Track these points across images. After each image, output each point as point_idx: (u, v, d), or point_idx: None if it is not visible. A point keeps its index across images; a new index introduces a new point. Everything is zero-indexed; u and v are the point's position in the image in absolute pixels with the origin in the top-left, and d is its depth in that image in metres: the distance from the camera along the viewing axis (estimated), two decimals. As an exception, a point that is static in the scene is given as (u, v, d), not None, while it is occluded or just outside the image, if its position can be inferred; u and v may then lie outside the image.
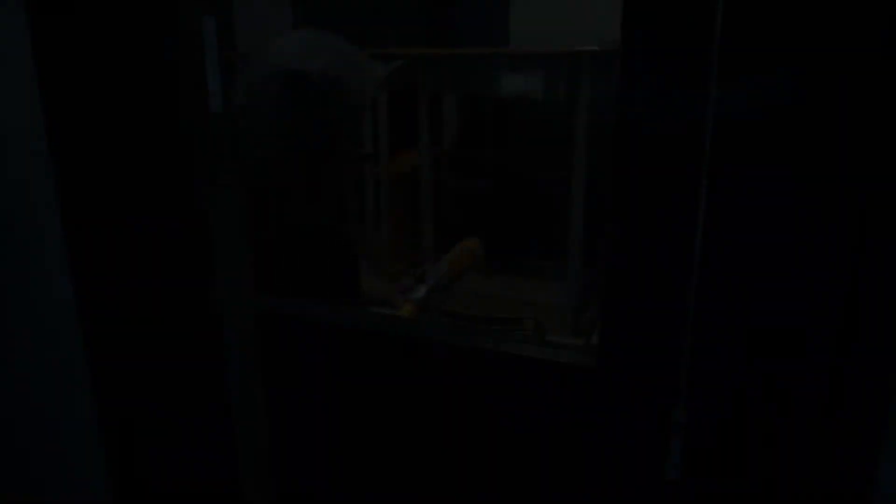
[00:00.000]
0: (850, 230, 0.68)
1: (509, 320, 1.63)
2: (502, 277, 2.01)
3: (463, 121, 2.62)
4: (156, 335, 1.08)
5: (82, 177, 1.06)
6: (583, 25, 1.92)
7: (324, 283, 1.11)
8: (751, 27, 0.65)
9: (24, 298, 1.18)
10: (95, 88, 1.01)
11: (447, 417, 0.92)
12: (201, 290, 0.99)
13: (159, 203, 1.02)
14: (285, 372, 0.99)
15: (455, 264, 1.29)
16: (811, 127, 0.67)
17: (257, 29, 2.92)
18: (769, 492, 0.78)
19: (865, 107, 0.64)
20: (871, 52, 0.63)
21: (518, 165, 2.51)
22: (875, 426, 0.72)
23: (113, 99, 1.00)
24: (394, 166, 2.40)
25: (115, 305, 1.11)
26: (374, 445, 0.98)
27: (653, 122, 0.71)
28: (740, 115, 0.68)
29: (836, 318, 0.71)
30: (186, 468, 1.16)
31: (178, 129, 0.96)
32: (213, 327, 0.81)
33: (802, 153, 0.68)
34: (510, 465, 0.90)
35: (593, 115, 1.96)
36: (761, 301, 0.73)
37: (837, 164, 0.67)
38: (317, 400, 1.00)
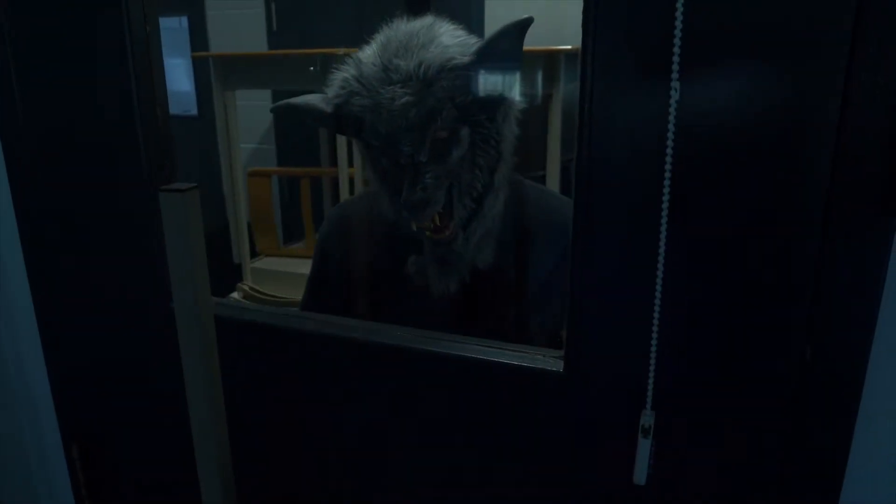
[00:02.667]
0: (815, 229, 0.68)
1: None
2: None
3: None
4: (114, 342, 1.07)
5: (35, 184, 1.04)
6: (558, 25, 1.92)
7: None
8: (711, 26, 0.65)
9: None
10: (47, 90, 0.99)
11: (415, 423, 0.90)
12: (158, 297, 0.97)
13: (112, 206, 1.00)
14: (265, 380, 0.98)
15: None
16: (775, 127, 0.66)
17: (229, 29, 2.90)
18: (738, 497, 0.77)
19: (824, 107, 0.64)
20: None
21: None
22: (845, 428, 0.72)
23: (66, 103, 0.98)
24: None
25: (73, 312, 1.09)
26: (342, 450, 0.97)
27: (613, 123, 0.70)
28: (702, 117, 0.67)
29: (803, 318, 0.70)
30: (147, 478, 1.13)
31: (133, 133, 0.94)
32: (169, 333, 0.79)
33: (765, 154, 0.67)
34: (477, 471, 0.89)
35: (568, 115, 1.96)
36: (727, 302, 0.72)
37: (800, 166, 0.66)
38: (279, 403, 0.99)
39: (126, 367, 1.09)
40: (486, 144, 1.03)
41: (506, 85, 1.02)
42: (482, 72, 0.99)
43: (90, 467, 1.18)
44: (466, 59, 0.98)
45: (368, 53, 1.01)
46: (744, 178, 0.68)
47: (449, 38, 1.00)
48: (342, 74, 1.03)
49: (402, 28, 1.01)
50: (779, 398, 0.73)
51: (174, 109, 3.14)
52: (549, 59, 2.04)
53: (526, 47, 0.99)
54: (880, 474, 0.73)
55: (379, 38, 1.02)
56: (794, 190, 0.67)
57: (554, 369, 0.80)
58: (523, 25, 0.97)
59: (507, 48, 0.98)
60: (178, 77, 3.02)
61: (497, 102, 1.02)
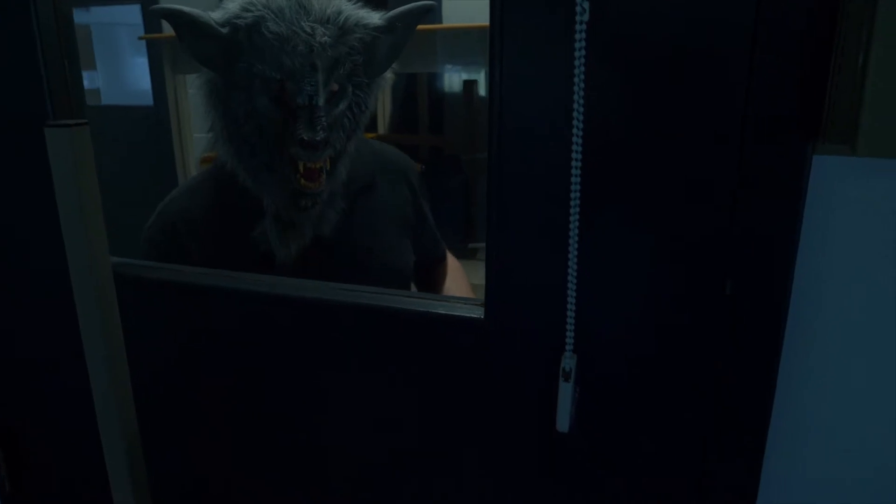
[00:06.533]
0: (731, 156, 0.65)
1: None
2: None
3: (398, 107, 2.58)
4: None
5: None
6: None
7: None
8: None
9: None
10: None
11: (336, 376, 0.87)
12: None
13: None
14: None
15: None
16: (687, 47, 0.64)
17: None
18: (666, 444, 0.75)
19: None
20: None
21: (454, 149, 2.48)
22: (770, 361, 0.70)
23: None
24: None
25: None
26: (259, 411, 0.93)
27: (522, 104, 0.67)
28: (613, 35, 0.65)
29: (723, 250, 0.68)
30: (67, 463, 1.08)
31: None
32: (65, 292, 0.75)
33: (676, 78, 0.65)
34: (400, 422, 0.85)
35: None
36: (644, 239, 0.69)
37: (714, 90, 0.64)
38: (188, 364, 0.94)
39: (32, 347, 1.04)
40: (357, 108, 1.05)
41: (394, 57, 1.07)
42: (384, 38, 1.03)
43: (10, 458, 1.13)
44: (378, 22, 1.01)
45: None
46: (656, 104, 0.66)
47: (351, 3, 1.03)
48: None
49: None
50: (702, 335, 0.70)
51: (130, 101, 3.04)
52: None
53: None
54: (807, 402, 0.71)
55: None
56: (708, 116, 0.65)
57: (474, 316, 0.77)
58: (425, 9, 1.03)
59: (408, 23, 1.04)
60: (140, 73, 2.96)
61: (382, 70, 1.07)
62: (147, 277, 0.92)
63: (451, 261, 1.37)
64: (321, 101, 0.98)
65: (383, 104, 2.51)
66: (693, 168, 0.67)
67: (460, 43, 2.19)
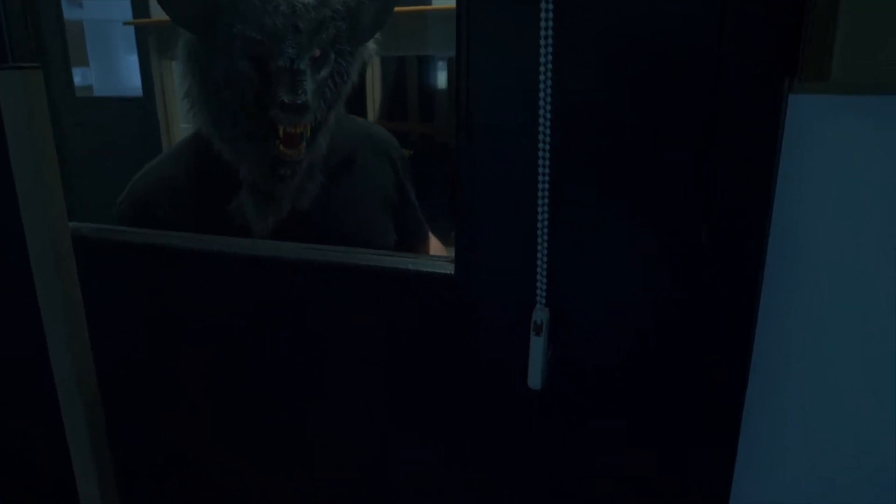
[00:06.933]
0: (706, 95, 0.63)
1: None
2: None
3: (388, 94, 2.56)
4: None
5: None
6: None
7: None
8: None
9: None
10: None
11: (308, 335, 0.84)
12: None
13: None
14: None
15: None
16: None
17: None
18: (640, 401, 0.72)
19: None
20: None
21: (444, 136, 2.46)
22: (747, 310, 0.67)
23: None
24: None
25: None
26: (231, 373, 0.90)
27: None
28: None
29: (697, 196, 0.66)
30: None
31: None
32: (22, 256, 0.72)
33: (648, 16, 0.63)
34: (371, 379, 0.83)
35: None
36: (616, 188, 0.67)
37: (689, 24, 0.62)
38: (157, 328, 0.92)
39: None
40: (339, 78, 1.03)
41: (378, 25, 1.05)
42: (369, 4, 1.02)
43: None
44: None
45: None
46: (626, 50, 0.64)
47: None
48: None
49: None
50: (678, 286, 0.68)
51: (118, 91, 3.02)
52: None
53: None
54: (785, 346, 0.69)
55: None
56: (682, 56, 0.63)
57: (445, 272, 0.75)
58: None
59: None
60: (133, 70, 2.95)
61: (366, 39, 1.05)
62: (113, 240, 0.90)
63: (434, 242, 1.35)
64: (303, 65, 0.96)
65: (373, 91, 2.49)
66: (665, 112, 0.64)
67: (452, 25, 2.17)
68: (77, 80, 3.21)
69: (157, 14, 2.72)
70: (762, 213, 0.64)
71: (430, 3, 2.19)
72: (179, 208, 1.08)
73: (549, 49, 0.63)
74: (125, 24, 2.43)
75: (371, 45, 1.10)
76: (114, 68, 3.10)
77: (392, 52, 2.29)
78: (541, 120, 0.66)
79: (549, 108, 0.65)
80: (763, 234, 0.65)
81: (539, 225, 0.69)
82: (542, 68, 0.64)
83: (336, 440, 0.87)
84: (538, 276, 0.70)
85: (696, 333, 0.69)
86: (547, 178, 0.67)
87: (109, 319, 0.92)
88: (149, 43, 2.27)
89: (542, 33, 0.63)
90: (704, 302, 0.68)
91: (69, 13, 3.29)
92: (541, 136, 0.66)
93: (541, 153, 0.67)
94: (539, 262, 0.70)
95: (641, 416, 0.73)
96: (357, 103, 2.46)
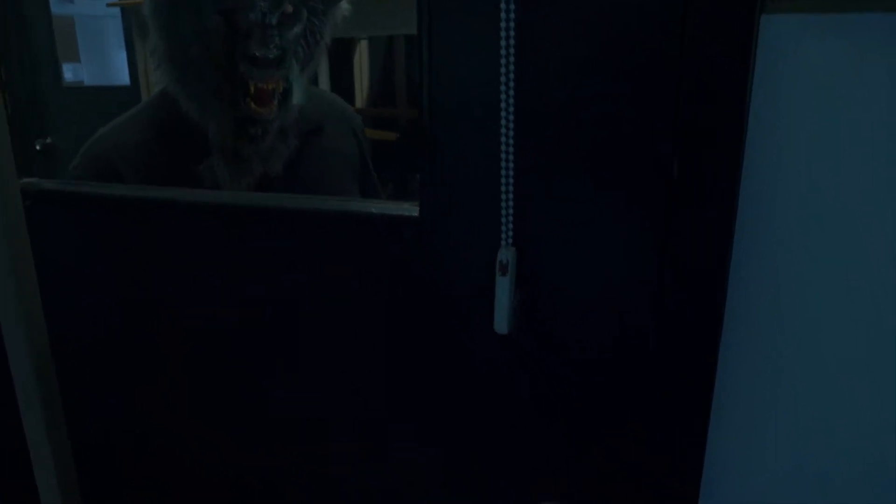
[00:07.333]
0: (674, 24, 0.60)
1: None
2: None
3: (377, 79, 2.54)
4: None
5: None
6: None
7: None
8: None
9: None
10: None
11: (273, 282, 0.81)
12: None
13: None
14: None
15: None
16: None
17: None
18: (612, 346, 0.69)
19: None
20: None
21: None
22: (721, 241, 0.64)
23: None
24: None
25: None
26: (195, 326, 0.87)
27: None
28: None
29: (668, 128, 0.63)
30: None
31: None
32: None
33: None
34: (338, 325, 0.80)
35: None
36: (583, 124, 0.64)
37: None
38: (117, 284, 0.89)
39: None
40: (312, 38, 1.02)
41: None
42: None
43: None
44: None
45: None
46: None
47: None
48: None
49: None
50: (646, 224, 0.65)
51: (107, 81, 3.01)
52: None
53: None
54: (757, 294, 0.66)
55: None
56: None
57: (409, 214, 0.72)
58: None
59: None
60: (123, 65, 2.94)
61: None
62: (72, 192, 0.87)
63: None
64: (275, 20, 0.94)
65: (360, 76, 2.47)
66: (632, 38, 0.61)
67: None
68: (68, 76, 3.20)
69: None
70: (735, 142, 0.61)
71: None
72: (144, 170, 1.05)
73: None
74: (108, 5, 2.41)
75: (344, 4, 1.09)
76: (106, 63, 3.09)
77: (381, 32, 2.26)
78: (502, 52, 0.63)
79: (512, 40, 0.63)
80: (736, 164, 0.62)
81: (503, 163, 0.66)
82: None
83: (302, 386, 0.84)
84: (503, 215, 0.67)
85: (670, 276, 0.66)
86: (511, 112, 0.64)
87: (66, 280, 0.89)
88: (133, 31, 2.25)
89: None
90: (677, 241, 0.65)
91: (60, 8, 3.28)
92: (503, 70, 0.63)
93: (503, 87, 0.64)
94: (504, 200, 0.67)
95: (610, 366, 0.69)
96: (346, 89, 2.43)
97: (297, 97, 1.05)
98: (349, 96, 2.44)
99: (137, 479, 0.97)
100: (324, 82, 2.12)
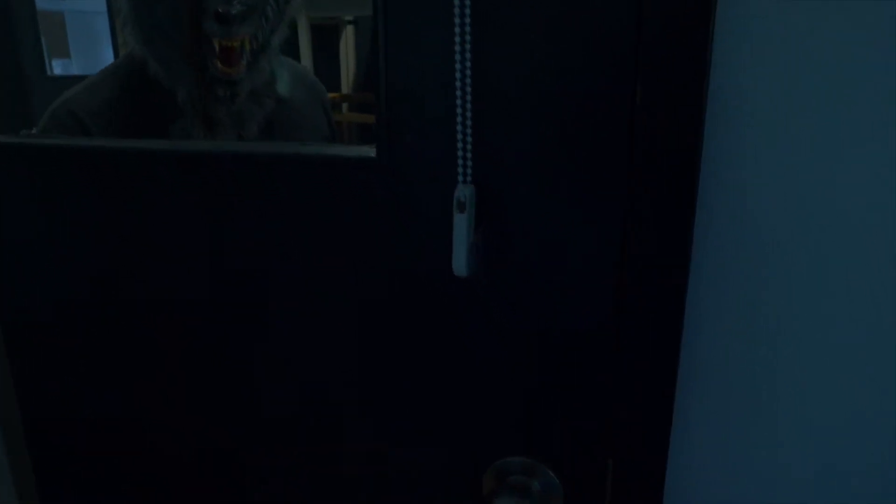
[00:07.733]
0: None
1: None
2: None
3: (362, 65, 2.52)
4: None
5: None
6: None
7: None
8: None
9: None
10: None
11: (232, 228, 0.79)
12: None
13: None
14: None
15: None
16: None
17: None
18: (574, 289, 0.67)
19: None
20: None
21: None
22: (686, 190, 0.63)
23: None
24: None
25: None
26: (157, 273, 0.85)
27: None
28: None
29: (629, 71, 0.61)
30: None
31: None
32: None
33: None
34: (297, 268, 0.78)
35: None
36: (543, 66, 0.62)
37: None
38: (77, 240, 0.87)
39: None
40: None
41: None
42: None
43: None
44: None
45: None
46: None
47: None
48: None
49: None
50: (609, 161, 0.63)
51: (90, 70, 2.99)
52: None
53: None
54: (726, 236, 0.64)
55: None
56: None
57: (367, 155, 0.70)
58: None
59: None
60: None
61: None
62: (33, 146, 0.85)
63: None
64: None
65: (346, 61, 2.45)
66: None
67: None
68: (58, 71, 3.19)
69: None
70: (698, 71, 0.59)
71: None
72: (116, 131, 1.03)
73: None
74: (89, -11, 2.37)
75: None
76: (98, 59, 3.08)
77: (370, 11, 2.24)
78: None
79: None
80: (700, 95, 0.60)
81: (458, 99, 0.64)
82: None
83: (269, 334, 0.82)
84: (459, 152, 0.65)
85: (635, 216, 0.64)
86: (468, 45, 0.62)
87: (27, 243, 0.87)
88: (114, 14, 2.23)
89: None
90: (641, 179, 0.63)
91: (50, 4, 3.27)
92: (457, 2, 0.61)
93: (457, 20, 0.62)
94: (460, 138, 0.65)
95: (573, 315, 0.68)
96: (331, 75, 2.41)
97: (268, 60, 1.03)
98: (335, 83, 2.43)
99: (97, 461, 0.95)
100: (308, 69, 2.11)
